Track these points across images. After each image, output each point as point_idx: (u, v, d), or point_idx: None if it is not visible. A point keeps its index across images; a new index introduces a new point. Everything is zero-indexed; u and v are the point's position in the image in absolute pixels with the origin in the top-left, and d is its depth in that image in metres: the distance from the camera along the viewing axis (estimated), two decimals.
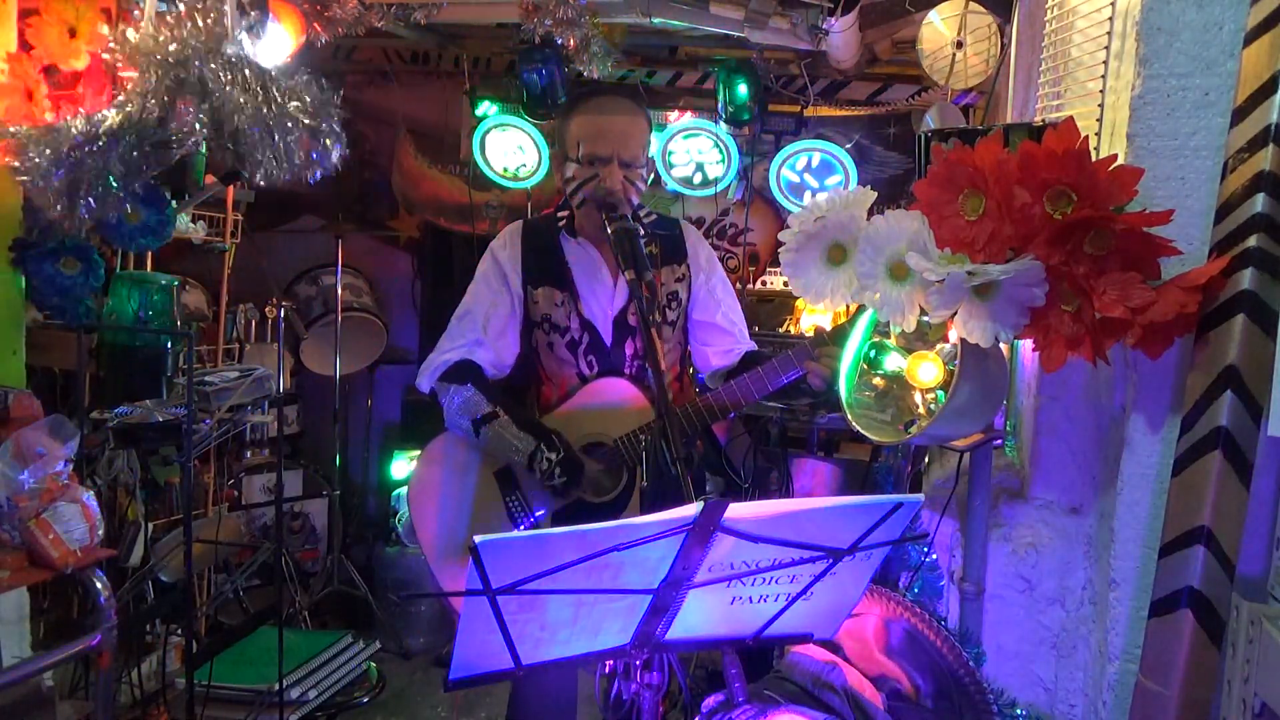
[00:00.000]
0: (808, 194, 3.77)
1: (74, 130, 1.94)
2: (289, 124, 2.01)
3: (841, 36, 3.18)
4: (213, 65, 1.96)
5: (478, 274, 2.16)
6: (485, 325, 2.11)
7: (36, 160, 1.93)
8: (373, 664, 3.28)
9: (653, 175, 3.81)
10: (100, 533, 2.01)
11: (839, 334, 1.83)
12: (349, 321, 3.99)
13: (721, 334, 2.18)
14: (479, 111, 3.95)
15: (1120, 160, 1.54)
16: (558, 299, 2.10)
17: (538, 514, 2.06)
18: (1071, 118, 1.43)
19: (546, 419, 2.08)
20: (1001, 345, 1.61)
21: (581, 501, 2.04)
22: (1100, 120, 1.75)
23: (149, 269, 2.98)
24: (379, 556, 4.02)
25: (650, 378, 2.09)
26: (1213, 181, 1.51)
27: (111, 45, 2.01)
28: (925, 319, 1.61)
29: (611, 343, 2.10)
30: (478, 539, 1.09)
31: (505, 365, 2.15)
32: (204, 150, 2.38)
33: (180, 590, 2.77)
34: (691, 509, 1.14)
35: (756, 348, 2.20)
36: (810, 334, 1.92)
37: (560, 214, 2.15)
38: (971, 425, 1.77)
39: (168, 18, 1.99)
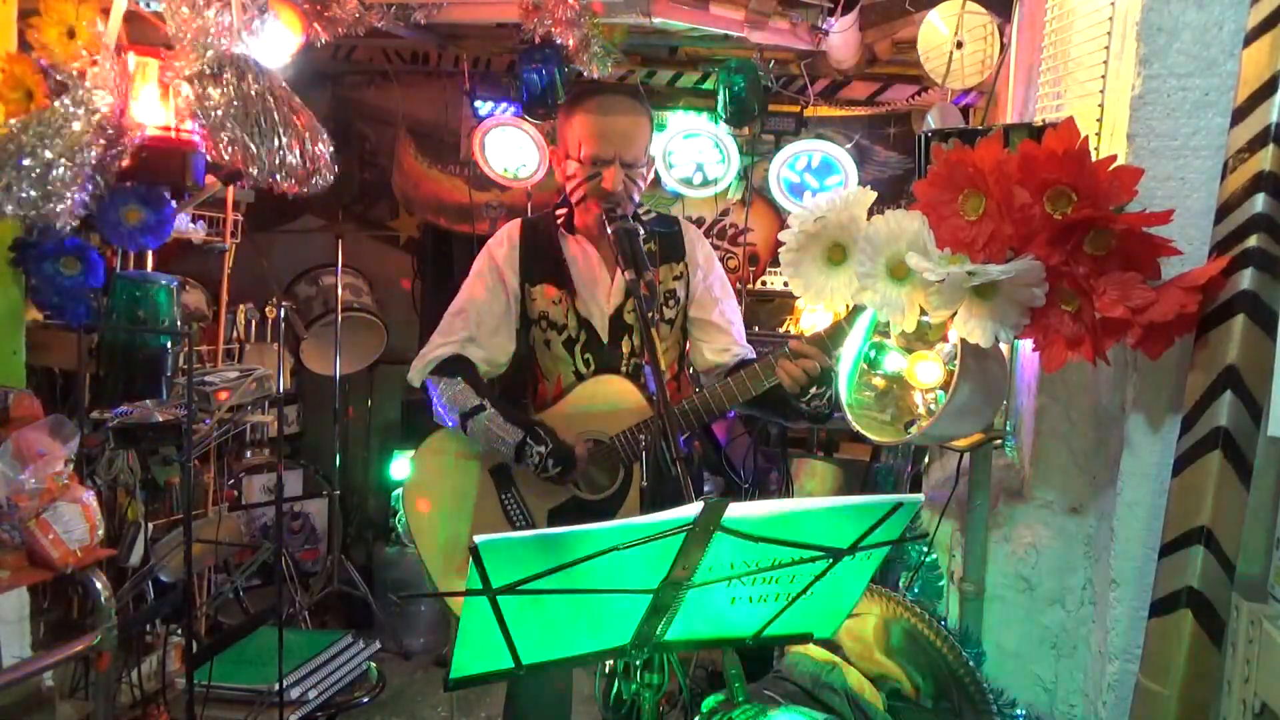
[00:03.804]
0: (808, 194, 3.77)
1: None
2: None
3: (841, 36, 3.18)
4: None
5: (473, 271, 2.16)
6: (479, 322, 2.11)
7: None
8: (373, 664, 3.27)
9: (653, 173, 3.81)
10: (100, 533, 2.01)
11: (817, 341, 1.83)
12: (349, 321, 3.99)
13: (718, 331, 2.18)
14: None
15: (1120, 160, 1.54)
16: (555, 296, 2.10)
17: (534, 513, 2.06)
18: (1071, 118, 1.43)
19: (543, 416, 2.08)
20: (1001, 345, 1.61)
21: (578, 500, 2.04)
22: (1100, 120, 1.75)
23: (149, 269, 2.98)
24: (379, 556, 4.02)
25: (647, 375, 2.10)
26: (1213, 181, 1.51)
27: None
28: (925, 319, 1.61)
29: (608, 340, 2.10)
30: (478, 539, 1.09)
31: (498, 363, 2.15)
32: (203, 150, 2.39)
33: (180, 590, 2.77)
34: (691, 509, 1.14)
35: (753, 353, 2.18)
36: (808, 334, 1.91)
37: (558, 211, 2.15)
38: (971, 425, 1.77)
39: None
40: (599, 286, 2.11)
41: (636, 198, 2.05)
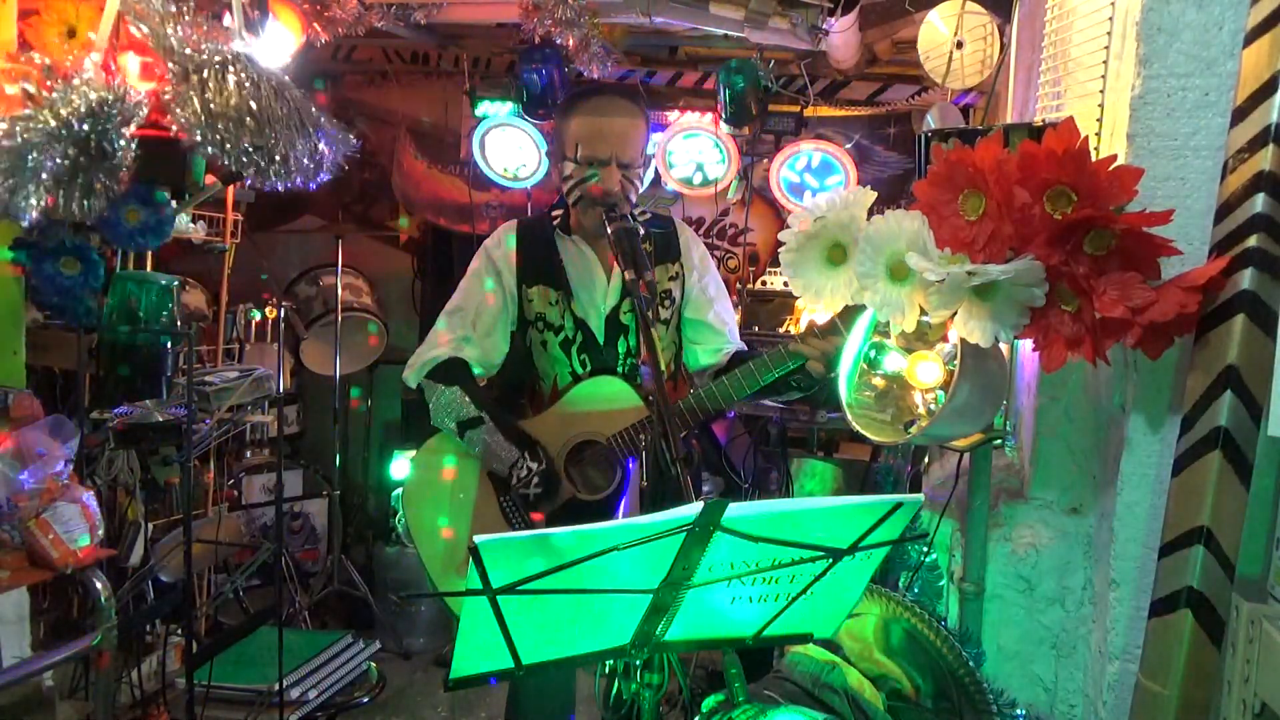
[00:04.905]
0: (808, 194, 3.77)
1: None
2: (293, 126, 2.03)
3: (841, 36, 3.18)
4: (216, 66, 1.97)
5: (470, 271, 2.16)
6: (475, 323, 2.11)
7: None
8: (373, 664, 3.28)
9: (652, 174, 3.82)
10: (100, 533, 2.01)
11: (831, 326, 1.84)
12: (349, 321, 3.99)
13: (712, 332, 2.18)
14: (479, 111, 3.95)
15: (1120, 160, 1.54)
16: (552, 297, 2.10)
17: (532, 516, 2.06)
18: (1071, 118, 1.43)
19: (540, 418, 2.08)
20: (1001, 345, 1.61)
21: (576, 501, 2.04)
22: (1100, 120, 1.75)
23: (149, 269, 2.98)
24: (379, 556, 4.02)
25: (644, 376, 2.10)
26: (1213, 181, 1.51)
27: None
28: (925, 319, 1.61)
29: (604, 341, 2.10)
30: (478, 539, 1.09)
31: (493, 364, 2.15)
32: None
33: (180, 590, 2.77)
34: (691, 509, 1.14)
35: (746, 348, 2.20)
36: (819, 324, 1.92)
37: (555, 212, 2.16)
38: (971, 425, 1.77)
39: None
40: (595, 287, 2.12)
41: (634, 198, 2.06)
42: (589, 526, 1.13)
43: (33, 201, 1.94)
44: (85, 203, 2.02)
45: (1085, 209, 1.38)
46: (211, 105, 1.98)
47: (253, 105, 1.99)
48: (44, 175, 1.94)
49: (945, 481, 2.09)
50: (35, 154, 1.92)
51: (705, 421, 2.03)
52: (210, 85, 1.98)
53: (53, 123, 1.93)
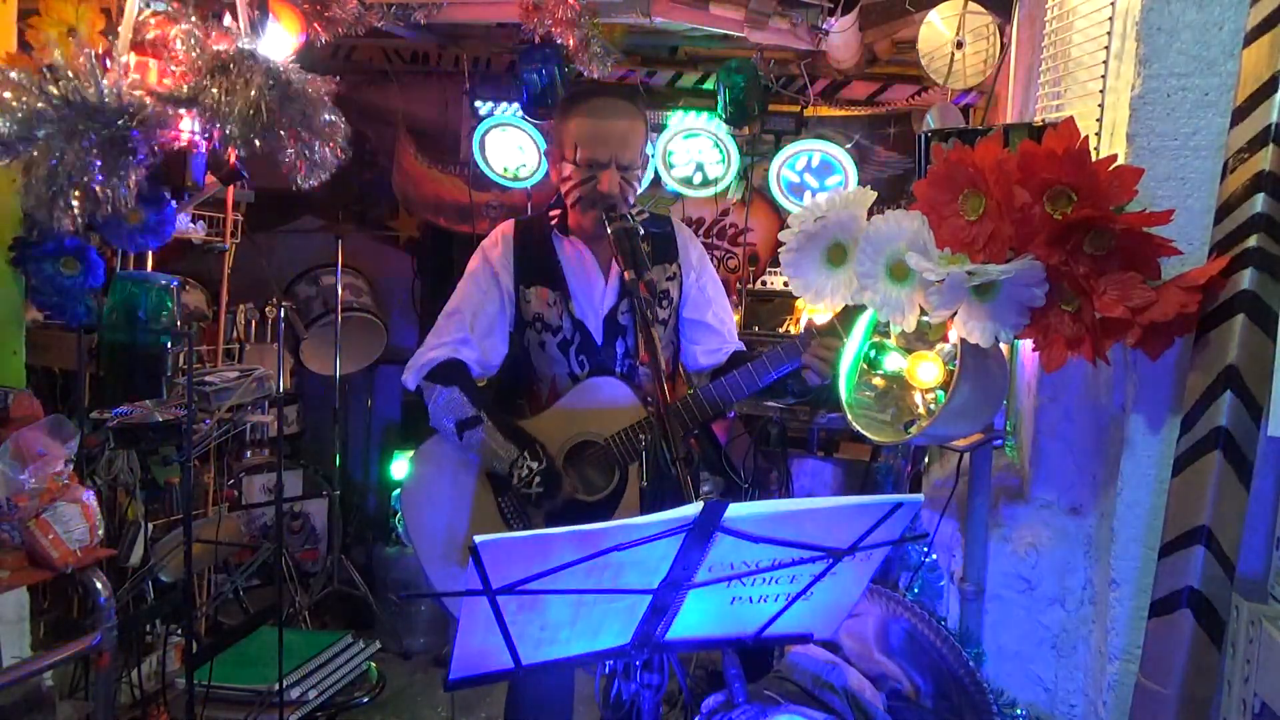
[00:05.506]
0: (808, 194, 3.77)
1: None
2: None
3: (841, 36, 3.18)
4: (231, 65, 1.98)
5: (467, 272, 2.16)
6: (473, 324, 2.11)
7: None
8: (373, 664, 3.28)
9: (650, 174, 3.81)
10: (100, 533, 2.01)
11: (830, 328, 1.84)
12: (349, 321, 3.99)
13: (710, 332, 2.18)
14: (479, 111, 3.95)
15: (1120, 160, 1.54)
16: (549, 298, 2.10)
17: (530, 515, 2.06)
18: (1071, 118, 1.43)
19: (538, 419, 2.08)
20: (1001, 345, 1.61)
21: (575, 501, 2.04)
22: (1100, 120, 1.75)
23: (149, 269, 2.98)
24: (379, 556, 4.02)
25: (641, 376, 2.10)
26: (1213, 181, 1.51)
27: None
28: (925, 319, 1.61)
29: (603, 342, 2.10)
30: (478, 539, 1.09)
31: (491, 365, 2.15)
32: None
33: (180, 590, 2.77)
34: (691, 509, 1.14)
35: (744, 348, 2.21)
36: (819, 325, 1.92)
37: (551, 213, 2.15)
38: (971, 425, 1.77)
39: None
40: (593, 288, 2.12)
41: (632, 199, 2.06)
42: (589, 526, 1.13)
43: (68, 209, 1.97)
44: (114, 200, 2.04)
45: (1085, 209, 1.39)
46: (226, 103, 1.99)
47: (266, 102, 2.00)
48: (77, 189, 1.97)
49: (945, 481, 2.09)
50: (66, 166, 1.93)
51: (704, 422, 2.03)
52: (226, 83, 1.99)
53: (80, 126, 1.94)
